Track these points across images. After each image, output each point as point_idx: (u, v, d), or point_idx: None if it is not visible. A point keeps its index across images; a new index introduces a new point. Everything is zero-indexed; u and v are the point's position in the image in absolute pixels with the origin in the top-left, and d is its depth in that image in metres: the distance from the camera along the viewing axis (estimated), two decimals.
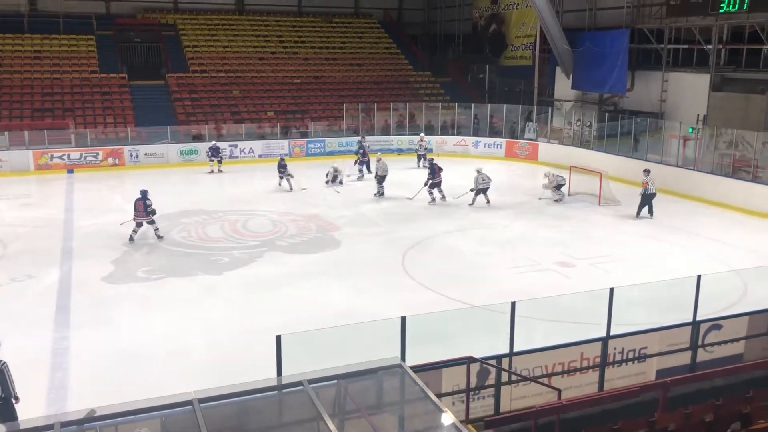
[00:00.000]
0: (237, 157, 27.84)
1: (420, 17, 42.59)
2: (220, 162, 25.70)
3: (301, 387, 5.63)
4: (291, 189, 22.23)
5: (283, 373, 7.37)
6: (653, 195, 18.77)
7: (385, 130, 30.43)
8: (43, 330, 11.21)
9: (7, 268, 14.44)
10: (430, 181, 20.29)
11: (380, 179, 21.49)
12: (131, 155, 26.49)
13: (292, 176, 22.43)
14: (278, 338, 7.47)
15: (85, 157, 25.89)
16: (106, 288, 13.27)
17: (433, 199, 20.38)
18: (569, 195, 21.03)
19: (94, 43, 32.48)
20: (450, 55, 39.87)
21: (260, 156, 28.18)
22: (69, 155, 25.63)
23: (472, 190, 20.05)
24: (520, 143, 28.62)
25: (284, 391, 6.26)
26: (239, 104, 31.33)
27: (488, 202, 20.03)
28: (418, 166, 25.91)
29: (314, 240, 16.84)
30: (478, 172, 20.09)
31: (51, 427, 5.25)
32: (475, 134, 29.72)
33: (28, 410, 8.10)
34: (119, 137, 27.24)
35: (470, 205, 19.92)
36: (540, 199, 20.81)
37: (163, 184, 23.41)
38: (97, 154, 26.13)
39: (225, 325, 11.68)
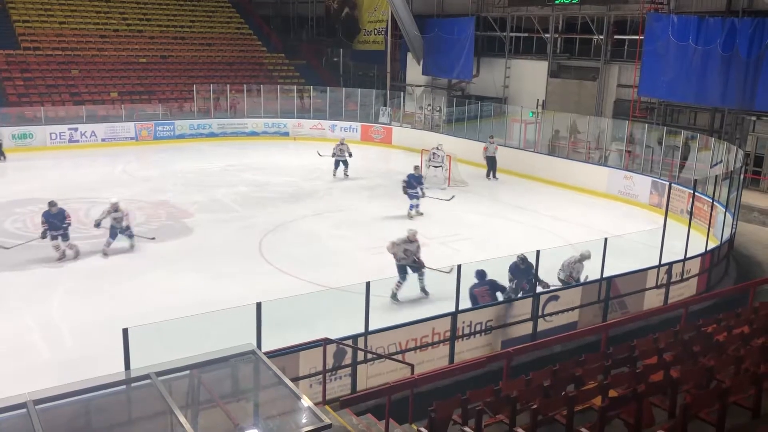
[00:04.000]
0: (77, 141, 26.05)
1: None
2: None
3: (149, 380, 5.41)
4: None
5: (132, 368, 7.06)
6: (491, 158, 22.08)
7: (239, 113, 29.75)
8: None
9: None
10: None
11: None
12: None
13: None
14: (125, 331, 7.14)
15: None
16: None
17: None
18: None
19: None
20: (304, 37, 39.60)
21: (103, 140, 26.56)
22: None
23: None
24: (375, 127, 29.08)
25: (132, 385, 5.99)
26: (79, 85, 29.25)
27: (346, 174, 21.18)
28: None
29: (165, 228, 16.18)
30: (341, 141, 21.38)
31: None
32: (331, 118, 29.81)
33: None
34: None
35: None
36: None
37: None
38: None
39: (67, 320, 10.96)
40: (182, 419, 4.85)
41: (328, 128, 29.46)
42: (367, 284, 8.78)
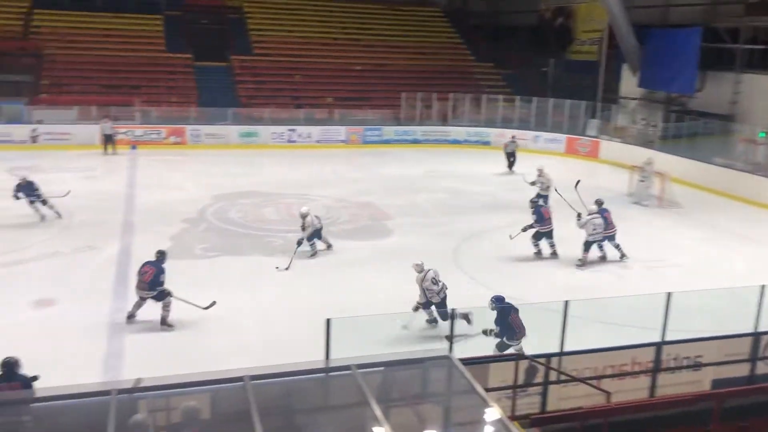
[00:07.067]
0: (294, 141, 28.13)
1: (485, 8, 42.06)
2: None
3: (349, 371, 5.66)
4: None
5: (331, 356, 7.46)
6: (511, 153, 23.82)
7: (443, 121, 30.28)
8: (101, 299, 11.58)
9: (71, 237, 14.98)
10: (536, 229, 14.87)
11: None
12: (193, 135, 27.06)
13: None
14: (328, 321, 7.55)
15: (148, 134, 26.60)
16: None
17: (539, 252, 15.00)
18: (628, 195, 20.55)
19: (162, 24, 33.23)
20: (514, 47, 39.29)
21: (317, 141, 28.41)
22: (133, 132, 26.37)
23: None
24: (582, 140, 28.04)
25: (332, 374, 6.32)
26: (300, 89, 31.61)
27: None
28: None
29: (366, 228, 16.91)
30: (539, 171, 18.67)
31: (108, 393, 5.42)
32: (536, 129, 29.24)
33: (85, 376, 8.42)
34: (182, 116, 27.83)
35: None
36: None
37: (222, 164, 23.90)
38: (160, 132, 26.81)
39: (275, 305, 11.86)
40: (378, 413, 5.01)
41: (531, 139, 28.96)
42: (566, 303, 8.49)
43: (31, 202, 15.86)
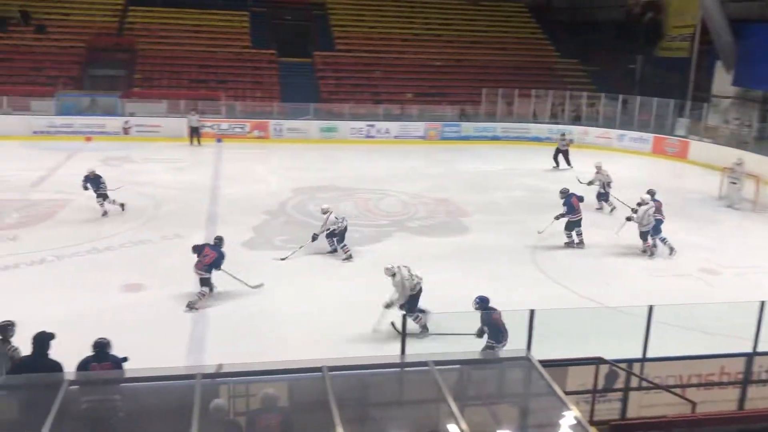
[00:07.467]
0: (373, 137, 28.31)
1: (569, 2, 41.04)
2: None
3: (426, 367, 5.65)
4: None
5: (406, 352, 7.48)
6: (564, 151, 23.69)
7: (524, 118, 29.78)
8: (186, 286, 12.00)
9: (159, 227, 15.60)
10: (567, 219, 15.12)
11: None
12: (275, 129, 27.68)
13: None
14: (404, 317, 7.58)
15: (233, 128, 27.39)
16: (245, 253, 13.99)
17: (571, 242, 15.27)
18: (719, 198, 19.65)
19: (248, 20, 34.08)
20: (599, 42, 38.17)
21: (396, 137, 28.49)
22: (219, 125, 27.20)
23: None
24: (669, 139, 26.99)
25: (407, 369, 6.33)
26: (379, 85, 31.77)
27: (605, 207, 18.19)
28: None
29: (443, 224, 16.84)
30: (597, 168, 18.21)
31: (193, 377, 5.62)
32: (621, 127, 28.35)
33: (170, 359, 8.77)
34: (265, 111, 28.50)
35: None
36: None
37: (301, 158, 24.35)
38: (245, 126, 27.55)
39: (352, 297, 11.97)
40: (454, 409, 4.98)
41: (615, 138, 28.11)
42: (650, 308, 8.21)
43: (98, 196, 16.08)
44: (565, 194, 15.28)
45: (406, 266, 10.59)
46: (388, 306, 10.36)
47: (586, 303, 11.74)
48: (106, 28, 31.85)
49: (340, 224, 13.95)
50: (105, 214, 16.16)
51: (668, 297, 11.38)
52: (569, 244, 15.20)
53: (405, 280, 10.36)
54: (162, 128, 26.71)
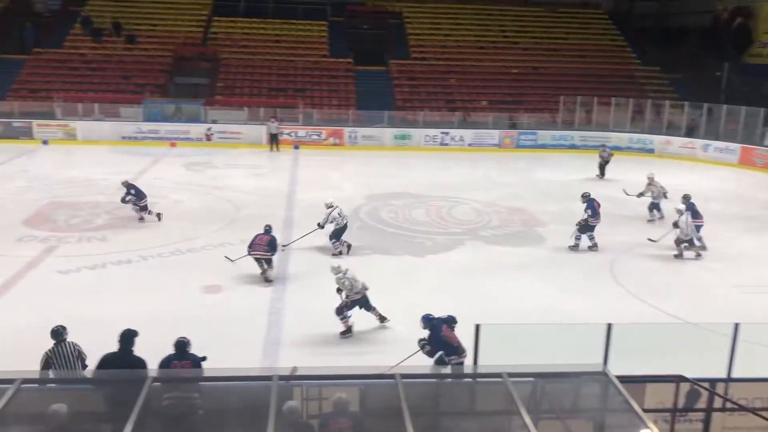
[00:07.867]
0: (447, 144, 28.27)
1: (653, 9, 39.87)
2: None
3: (499, 379, 5.60)
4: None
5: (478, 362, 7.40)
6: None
7: (604, 127, 29.06)
8: (263, 289, 12.30)
9: (239, 229, 16.00)
10: (587, 223, 15.08)
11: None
12: (350, 136, 28.05)
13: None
14: (477, 327, 7.50)
15: (310, 135, 27.92)
16: (317, 256, 14.22)
17: (576, 246, 15.21)
18: None
19: (326, 29, 34.72)
20: (683, 49, 36.88)
21: (470, 145, 28.36)
22: (296, 132, 27.78)
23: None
24: (758, 150, 25.78)
25: (479, 380, 6.29)
26: (454, 92, 31.71)
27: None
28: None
29: (517, 233, 16.62)
30: (649, 180, 17.75)
31: (269, 378, 5.76)
32: (706, 137, 27.28)
33: (246, 361, 9.00)
34: (341, 119, 28.92)
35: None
36: None
37: (375, 165, 24.56)
38: (321, 133, 28.04)
39: (423, 306, 11.92)
40: (528, 422, 4.91)
41: (700, 148, 27.08)
42: (736, 325, 7.85)
43: (135, 206, 16.20)
44: (587, 198, 15.27)
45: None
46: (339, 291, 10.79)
47: (667, 318, 11.34)
48: (191, 38, 33.12)
49: (340, 221, 14.38)
50: (141, 219, 16.37)
51: (757, 314, 10.86)
52: (573, 248, 15.12)
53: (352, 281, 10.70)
54: (243, 135, 27.52)
